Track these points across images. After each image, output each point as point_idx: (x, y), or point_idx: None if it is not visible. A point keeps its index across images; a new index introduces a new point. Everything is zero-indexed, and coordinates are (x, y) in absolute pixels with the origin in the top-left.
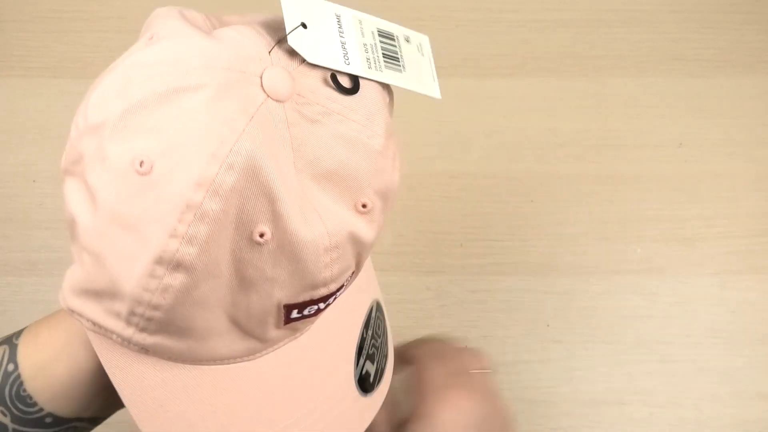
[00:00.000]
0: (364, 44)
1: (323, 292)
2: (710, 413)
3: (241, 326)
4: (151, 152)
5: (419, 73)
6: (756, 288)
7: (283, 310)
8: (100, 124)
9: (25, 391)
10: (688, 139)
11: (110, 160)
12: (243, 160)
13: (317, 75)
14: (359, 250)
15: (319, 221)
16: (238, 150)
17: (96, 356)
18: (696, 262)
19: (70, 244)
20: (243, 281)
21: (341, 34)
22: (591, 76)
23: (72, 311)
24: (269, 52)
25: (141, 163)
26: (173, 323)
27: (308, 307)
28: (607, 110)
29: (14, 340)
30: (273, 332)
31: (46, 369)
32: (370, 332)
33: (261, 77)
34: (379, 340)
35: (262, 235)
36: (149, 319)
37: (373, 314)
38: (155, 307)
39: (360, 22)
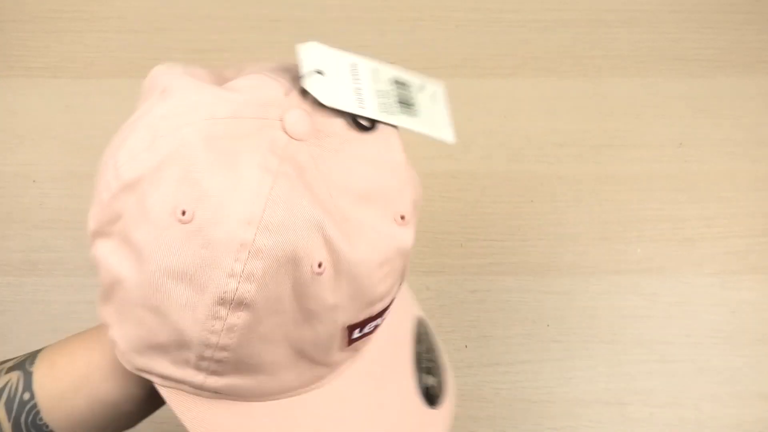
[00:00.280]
0: (378, 90)
1: (380, 307)
2: (710, 413)
3: (308, 356)
4: (190, 199)
5: (432, 119)
6: (756, 288)
7: (346, 332)
8: (136, 181)
9: (41, 420)
10: (688, 139)
11: (153, 214)
12: (284, 196)
13: (333, 110)
14: (404, 259)
15: (367, 240)
16: (277, 188)
17: (117, 389)
18: (696, 262)
19: (102, 306)
20: (306, 313)
21: (356, 81)
22: (591, 76)
23: (140, 370)
24: (285, 95)
25: (183, 212)
26: (242, 361)
27: (368, 324)
28: (607, 110)
29: (28, 368)
30: (337, 355)
31: (65, 400)
32: (423, 347)
33: (282, 120)
34: (432, 354)
35: (320, 265)
36: (219, 361)
37: (421, 330)
38: (223, 348)
39: (376, 71)
